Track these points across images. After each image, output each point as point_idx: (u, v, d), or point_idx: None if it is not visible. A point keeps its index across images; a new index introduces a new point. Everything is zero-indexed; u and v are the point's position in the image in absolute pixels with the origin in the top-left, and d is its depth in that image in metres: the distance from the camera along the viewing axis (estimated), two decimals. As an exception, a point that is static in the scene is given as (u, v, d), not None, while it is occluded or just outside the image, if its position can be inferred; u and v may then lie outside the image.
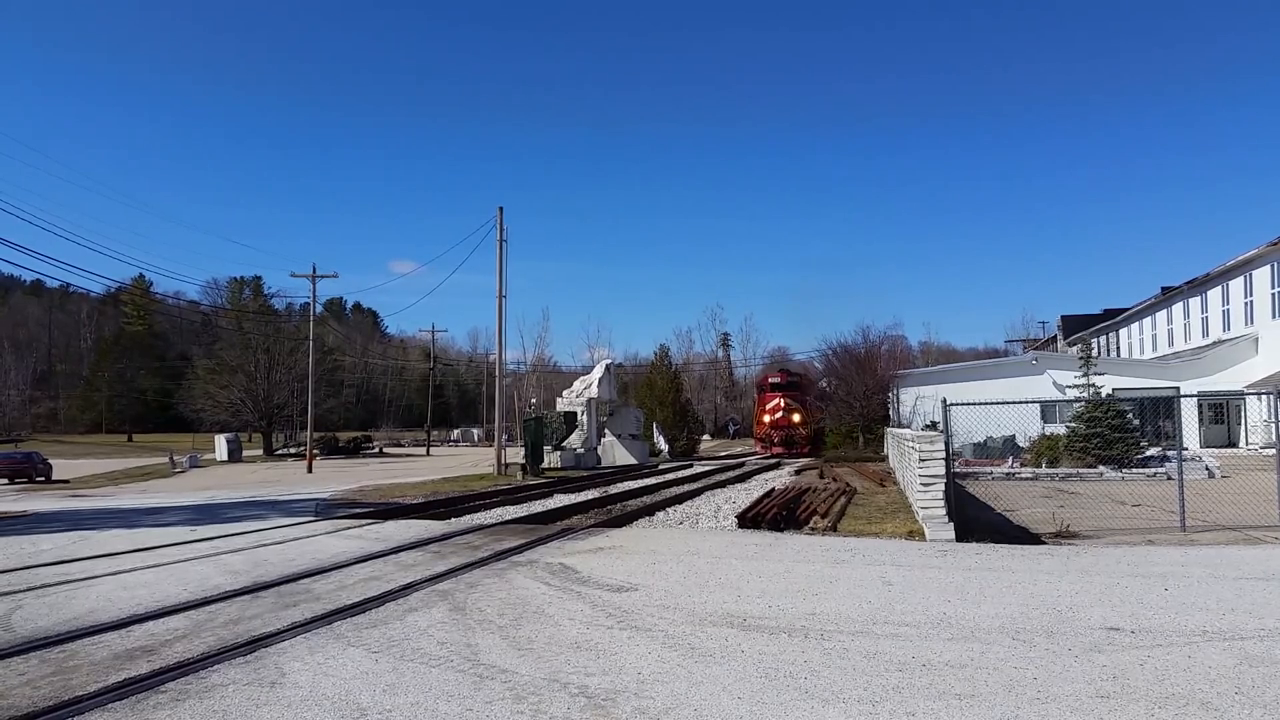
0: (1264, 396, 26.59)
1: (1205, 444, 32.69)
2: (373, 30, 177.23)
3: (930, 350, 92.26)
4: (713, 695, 5.12)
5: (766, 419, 50.33)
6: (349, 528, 14.57)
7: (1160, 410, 26.78)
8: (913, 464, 14.19)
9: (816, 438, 52.45)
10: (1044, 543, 11.74)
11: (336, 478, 35.25)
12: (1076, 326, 60.14)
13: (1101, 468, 23.80)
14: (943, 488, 12.39)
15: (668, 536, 13.01)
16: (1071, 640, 6.29)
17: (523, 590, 8.54)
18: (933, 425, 29.66)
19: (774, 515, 14.41)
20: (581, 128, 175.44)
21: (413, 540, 12.57)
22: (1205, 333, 38.99)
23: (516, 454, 35.03)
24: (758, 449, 51.77)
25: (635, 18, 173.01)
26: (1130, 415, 25.83)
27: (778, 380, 52.25)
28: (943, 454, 12.67)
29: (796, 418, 49.17)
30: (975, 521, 13.19)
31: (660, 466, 38.62)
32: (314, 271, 47.56)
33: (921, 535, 12.25)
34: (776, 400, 49.93)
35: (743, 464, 39.42)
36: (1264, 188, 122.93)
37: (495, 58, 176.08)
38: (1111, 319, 53.43)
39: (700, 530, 13.99)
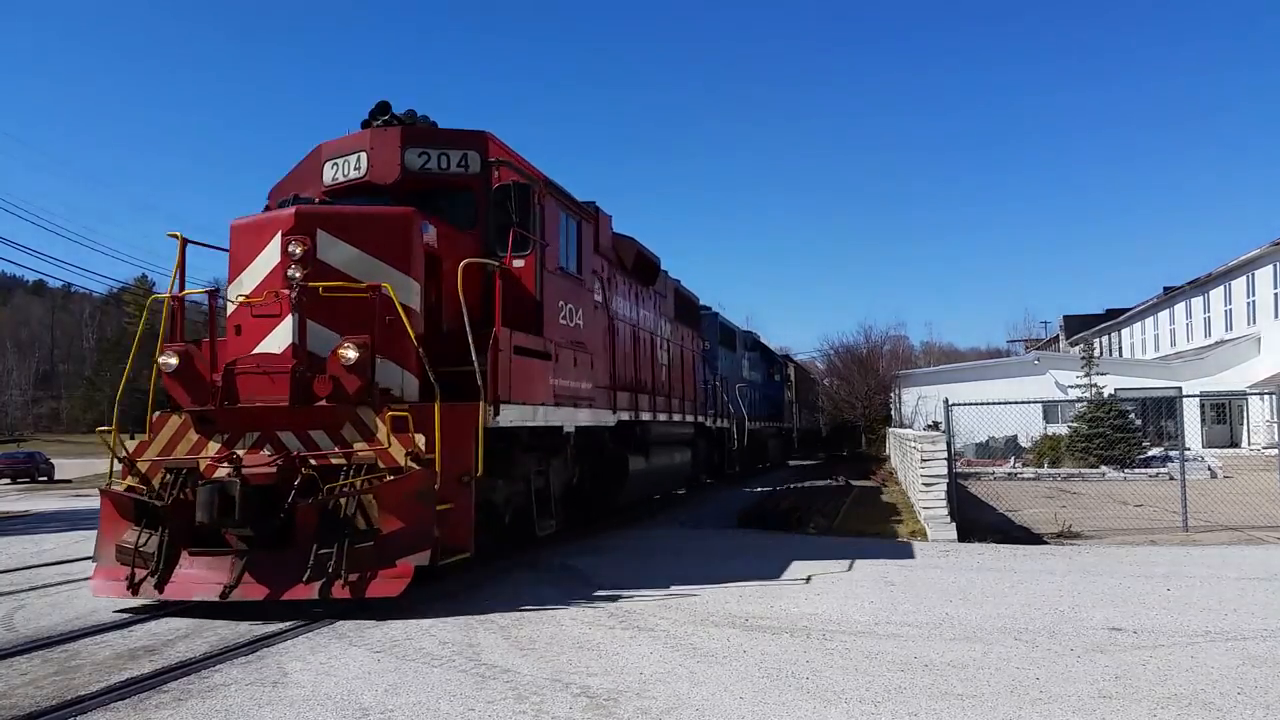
0: (1266, 396, 26.51)
1: (1208, 444, 32.62)
2: (373, 27, 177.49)
3: (932, 350, 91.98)
4: (715, 695, 5.12)
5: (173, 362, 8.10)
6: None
7: (1162, 410, 26.75)
8: (915, 464, 14.20)
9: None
10: (1046, 543, 11.74)
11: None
12: (1078, 326, 60.07)
13: (1104, 468, 23.80)
14: (945, 488, 12.40)
15: (669, 536, 13.00)
16: (1074, 640, 6.28)
17: (525, 590, 8.53)
18: (935, 425, 29.64)
19: (775, 515, 14.42)
20: (583, 124, 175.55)
21: (414, 540, 12.53)
22: (1207, 333, 38.93)
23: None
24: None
25: (639, 18, 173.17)
26: (1132, 415, 25.84)
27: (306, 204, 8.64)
28: (945, 454, 12.69)
29: (354, 355, 7.59)
30: (977, 521, 13.18)
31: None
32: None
33: (923, 535, 12.24)
34: (277, 242, 8.05)
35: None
36: (1267, 187, 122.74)
37: (495, 56, 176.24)
38: (1114, 319, 53.37)
39: (702, 530, 13.97)
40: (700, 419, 18.30)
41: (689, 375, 17.68)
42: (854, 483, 23.50)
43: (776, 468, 30.46)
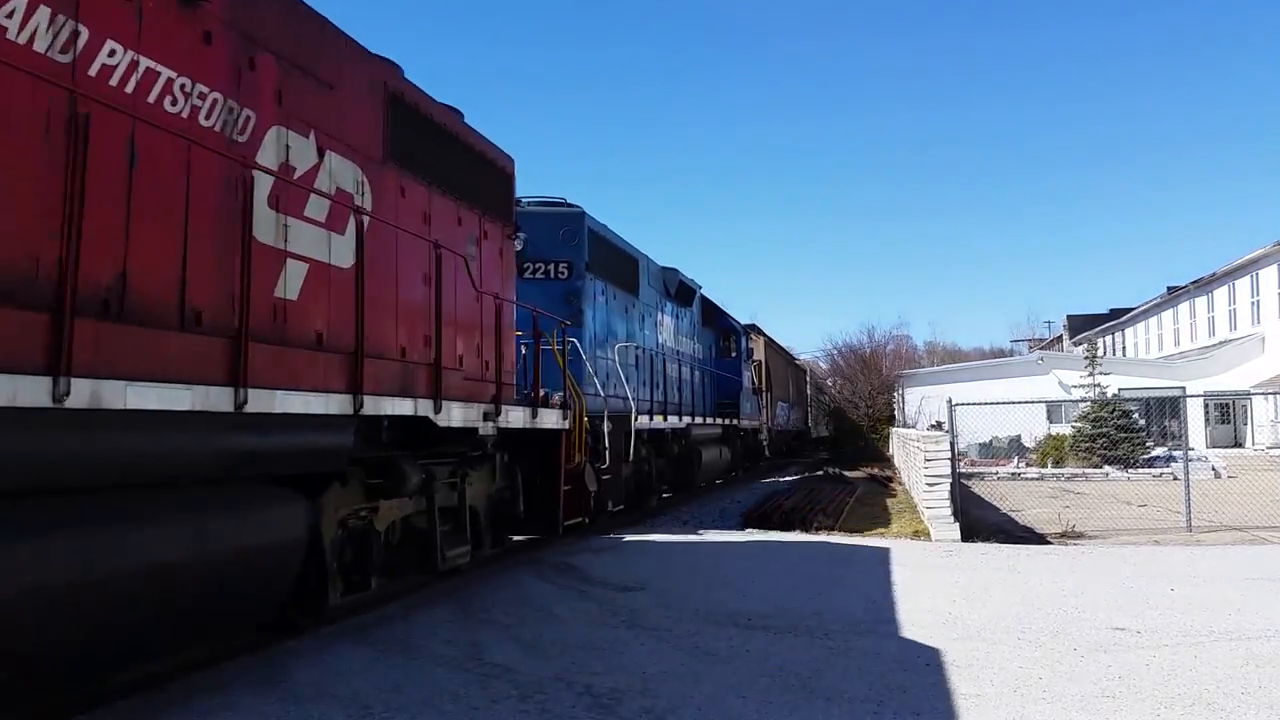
0: (1270, 396, 26.52)
1: (1211, 444, 32.58)
2: (369, 23, 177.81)
3: (935, 350, 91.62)
4: (718, 694, 5.12)
5: None
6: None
7: (1166, 410, 26.76)
8: (918, 464, 14.21)
9: None
10: (1050, 543, 11.74)
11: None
12: (1082, 326, 60.03)
13: (1107, 468, 23.78)
14: (948, 487, 12.40)
15: (672, 536, 13.01)
16: (1077, 640, 6.28)
17: (528, 589, 8.54)
18: (938, 425, 29.62)
19: (779, 514, 14.44)
20: (582, 122, 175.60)
21: (418, 539, 12.53)
22: (1211, 332, 38.87)
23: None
24: None
25: (640, 19, 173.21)
26: (1136, 415, 25.81)
27: None
28: (948, 454, 12.69)
29: None
30: (981, 521, 13.19)
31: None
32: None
33: (927, 535, 12.24)
34: None
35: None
36: (1271, 186, 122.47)
37: (492, 55, 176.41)
38: (1117, 318, 53.36)
39: (705, 529, 13.98)
40: (434, 411, 7.11)
41: (445, 309, 7.39)
42: (857, 482, 23.42)
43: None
